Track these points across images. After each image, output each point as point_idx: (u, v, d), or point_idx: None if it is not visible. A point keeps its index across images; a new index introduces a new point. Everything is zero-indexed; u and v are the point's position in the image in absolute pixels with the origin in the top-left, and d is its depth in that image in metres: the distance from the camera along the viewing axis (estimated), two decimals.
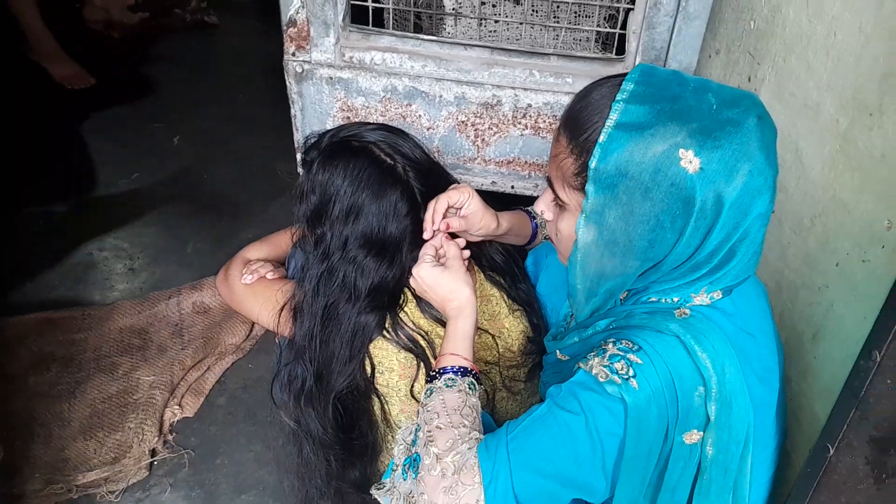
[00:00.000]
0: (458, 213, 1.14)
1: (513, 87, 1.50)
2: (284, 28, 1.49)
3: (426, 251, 1.10)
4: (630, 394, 0.81)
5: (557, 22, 1.64)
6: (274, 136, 2.59)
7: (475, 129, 1.56)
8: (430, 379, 1.00)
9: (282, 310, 1.21)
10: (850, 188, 0.96)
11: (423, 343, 1.15)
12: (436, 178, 1.18)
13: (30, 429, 1.59)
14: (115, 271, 2.06)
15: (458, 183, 1.26)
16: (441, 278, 1.06)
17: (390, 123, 1.41)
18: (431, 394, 0.97)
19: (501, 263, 1.26)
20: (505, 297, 1.24)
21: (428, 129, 1.57)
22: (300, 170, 1.62)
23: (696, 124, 0.78)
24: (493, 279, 1.25)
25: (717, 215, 0.80)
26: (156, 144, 2.63)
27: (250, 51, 3.29)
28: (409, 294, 1.17)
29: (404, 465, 0.95)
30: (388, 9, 1.58)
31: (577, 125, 0.84)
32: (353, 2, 1.47)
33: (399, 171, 1.14)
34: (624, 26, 1.49)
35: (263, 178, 2.46)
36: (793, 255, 1.10)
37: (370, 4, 1.46)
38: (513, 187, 1.64)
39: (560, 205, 0.91)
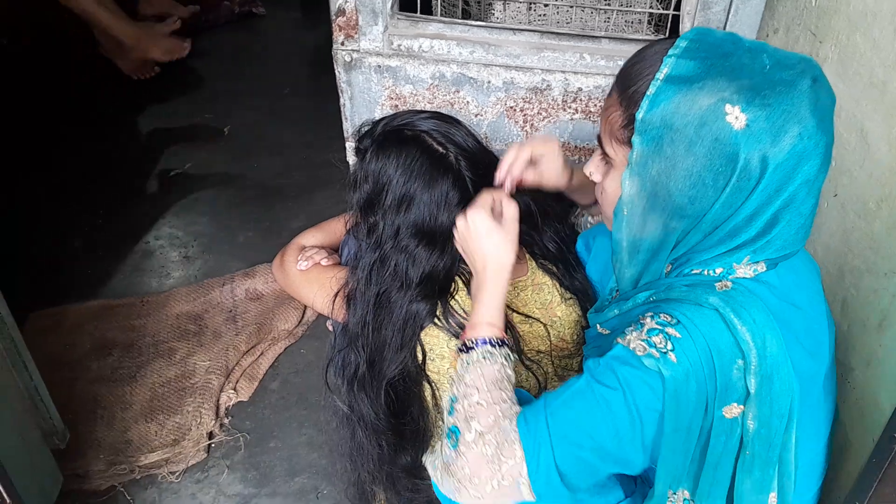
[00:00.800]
0: (536, 165, 1.13)
1: (563, 71, 1.48)
2: (333, 17, 1.49)
3: (484, 198, 1.06)
4: (669, 367, 0.80)
5: (608, 4, 1.61)
6: (318, 127, 2.62)
7: (524, 115, 1.55)
8: (466, 349, 0.98)
9: (336, 296, 1.23)
10: None
11: None
12: (488, 167, 1.18)
13: (93, 412, 1.66)
14: (170, 259, 2.12)
15: None
16: (493, 231, 1.02)
17: (438, 111, 1.41)
18: (468, 366, 0.96)
19: (554, 251, 1.25)
20: (558, 286, 1.23)
21: (476, 116, 1.56)
22: (349, 159, 1.63)
23: (746, 81, 0.77)
24: (545, 267, 1.24)
25: (760, 177, 0.78)
26: (207, 135, 2.69)
27: (294, 42, 3.32)
28: (459, 282, 1.17)
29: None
30: None
31: (628, 78, 0.85)
32: None
33: (451, 160, 1.13)
34: (678, 7, 1.45)
35: (309, 169, 2.49)
36: (857, 239, 1.07)
37: None
38: None
39: (607, 162, 0.92)
